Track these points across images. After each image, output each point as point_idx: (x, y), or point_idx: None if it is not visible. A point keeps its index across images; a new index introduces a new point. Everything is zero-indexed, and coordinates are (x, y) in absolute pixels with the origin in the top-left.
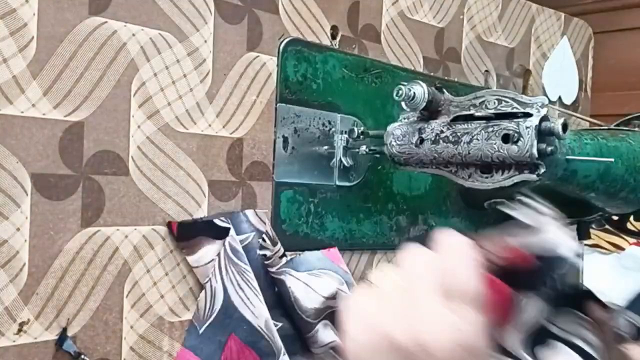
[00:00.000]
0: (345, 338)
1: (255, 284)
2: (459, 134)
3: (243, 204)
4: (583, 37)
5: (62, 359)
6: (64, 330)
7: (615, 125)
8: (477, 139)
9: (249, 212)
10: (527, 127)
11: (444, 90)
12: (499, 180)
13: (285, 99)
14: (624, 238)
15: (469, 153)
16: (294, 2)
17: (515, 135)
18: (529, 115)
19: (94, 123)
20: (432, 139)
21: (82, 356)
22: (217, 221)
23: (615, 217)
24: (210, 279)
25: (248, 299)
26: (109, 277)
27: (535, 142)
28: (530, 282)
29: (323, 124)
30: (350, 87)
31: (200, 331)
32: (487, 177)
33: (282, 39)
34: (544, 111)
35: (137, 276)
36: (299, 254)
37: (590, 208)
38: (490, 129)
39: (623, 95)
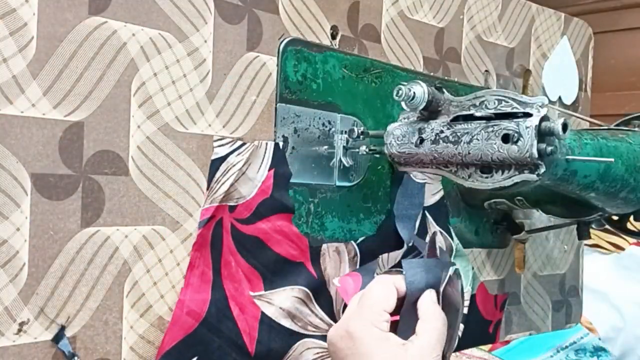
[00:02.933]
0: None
1: None
2: (459, 134)
3: None
4: (583, 37)
5: None
6: (62, 328)
7: (615, 125)
8: (477, 139)
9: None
10: (527, 127)
11: (444, 90)
12: (499, 180)
13: (285, 99)
14: (624, 238)
15: (469, 153)
16: (294, 2)
17: (515, 135)
18: (529, 115)
19: (94, 123)
20: (432, 139)
21: (76, 358)
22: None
23: (615, 217)
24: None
25: None
26: (109, 277)
27: (535, 142)
28: None
29: (323, 124)
30: (350, 87)
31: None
32: (487, 177)
33: (282, 39)
34: (544, 111)
35: (137, 276)
36: None
37: (590, 208)
38: (490, 129)
39: (623, 95)
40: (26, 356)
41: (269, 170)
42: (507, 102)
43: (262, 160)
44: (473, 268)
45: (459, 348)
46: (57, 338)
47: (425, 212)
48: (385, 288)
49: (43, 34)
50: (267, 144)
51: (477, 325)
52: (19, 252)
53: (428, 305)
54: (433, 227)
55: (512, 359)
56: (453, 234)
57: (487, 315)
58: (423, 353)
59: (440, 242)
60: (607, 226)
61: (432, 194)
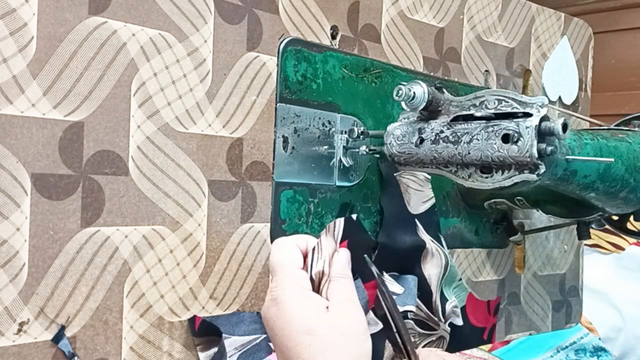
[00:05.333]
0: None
1: None
2: (459, 134)
3: (243, 204)
4: (583, 37)
5: None
6: (62, 328)
7: (615, 125)
8: (477, 139)
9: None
10: (527, 127)
11: (444, 90)
12: (499, 180)
13: (285, 99)
14: (624, 238)
15: (469, 153)
16: (294, 2)
17: (515, 135)
18: (529, 115)
19: (94, 123)
20: (432, 139)
21: (76, 358)
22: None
23: (615, 217)
24: None
25: None
26: (109, 277)
27: (535, 142)
28: None
29: (323, 124)
30: (350, 87)
31: None
32: (487, 177)
33: (282, 39)
34: (544, 111)
35: (137, 276)
36: None
37: (590, 208)
38: (490, 129)
39: (623, 95)
40: (26, 356)
41: (341, 242)
42: (507, 102)
43: (334, 238)
44: (461, 279)
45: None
46: (57, 338)
47: (416, 220)
48: (285, 247)
49: (43, 34)
50: (334, 223)
51: (470, 334)
52: (19, 252)
53: (338, 263)
54: (424, 235)
55: (512, 359)
56: (444, 244)
57: (479, 323)
58: (347, 309)
59: (433, 250)
60: (607, 226)
61: (423, 202)
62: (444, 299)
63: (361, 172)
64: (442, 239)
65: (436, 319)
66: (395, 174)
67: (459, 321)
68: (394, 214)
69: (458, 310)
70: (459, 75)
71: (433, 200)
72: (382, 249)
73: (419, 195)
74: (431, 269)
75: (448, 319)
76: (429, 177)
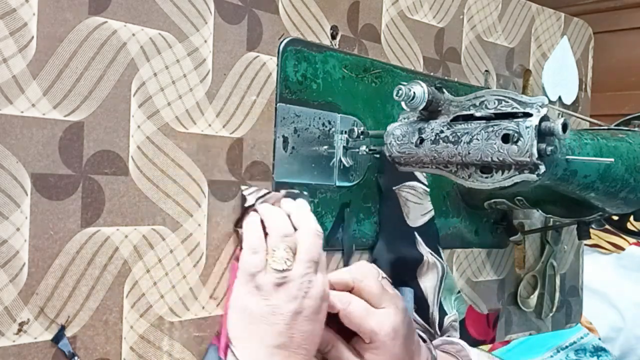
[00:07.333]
0: None
1: None
2: (459, 134)
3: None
4: (583, 37)
5: None
6: (62, 328)
7: (615, 125)
8: (477, 139)
9: None
10: (527, 127)
11: (444, 90)
12: (499, 180)
13: (285, 99)
14: (624, 238)
15: (469, 153)
16: (294, 2)
17: (515, 135)
18: (529, 115)
19: (94, 123)
20: (432, 139)
21: (76, 358)
22: None
23: (615, 217)
24: None
25: None
26: (109, 277)
27: (535, 142)
28: None
29: (323, 124)
30: (350, 87)
31: None
32: (487, 177)
33: (282, 39)
34: (544, 111)
35: (137, 276)
36: None
37: (590, 208)
38: (490, 129)
39: (623, 95)
40: (26, 356)
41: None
42: (507, 102)
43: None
44: (460, 292)
45: None
46: (57, 338)
47: (415, 233)
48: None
49: (43, 34)
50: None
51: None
52: (19, 252)
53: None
54: (423, 248)
55: (512, 359)
56: (442, 256)
57: (480, 336)
58: None
59: (431, 262)
60: (607, 226)
61: (422, 215)
62: (442, 312)
63: (361, 172)
64: (441, 250)
65: (432, 331)
66: (394, 188)
67: (456, 335)
68: (393, 227)
69: (457, 325)
70: (459, 75)
71: (432, 213)
72: (379, 261)
73: (418, 208)
74: (427, 282)
75: (445, 332)
76: (428, 189)
